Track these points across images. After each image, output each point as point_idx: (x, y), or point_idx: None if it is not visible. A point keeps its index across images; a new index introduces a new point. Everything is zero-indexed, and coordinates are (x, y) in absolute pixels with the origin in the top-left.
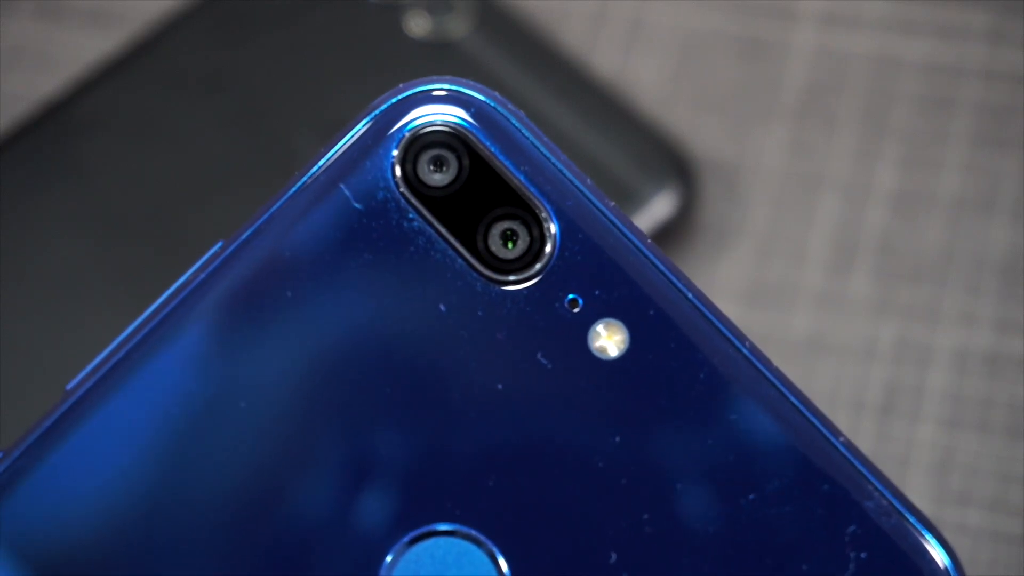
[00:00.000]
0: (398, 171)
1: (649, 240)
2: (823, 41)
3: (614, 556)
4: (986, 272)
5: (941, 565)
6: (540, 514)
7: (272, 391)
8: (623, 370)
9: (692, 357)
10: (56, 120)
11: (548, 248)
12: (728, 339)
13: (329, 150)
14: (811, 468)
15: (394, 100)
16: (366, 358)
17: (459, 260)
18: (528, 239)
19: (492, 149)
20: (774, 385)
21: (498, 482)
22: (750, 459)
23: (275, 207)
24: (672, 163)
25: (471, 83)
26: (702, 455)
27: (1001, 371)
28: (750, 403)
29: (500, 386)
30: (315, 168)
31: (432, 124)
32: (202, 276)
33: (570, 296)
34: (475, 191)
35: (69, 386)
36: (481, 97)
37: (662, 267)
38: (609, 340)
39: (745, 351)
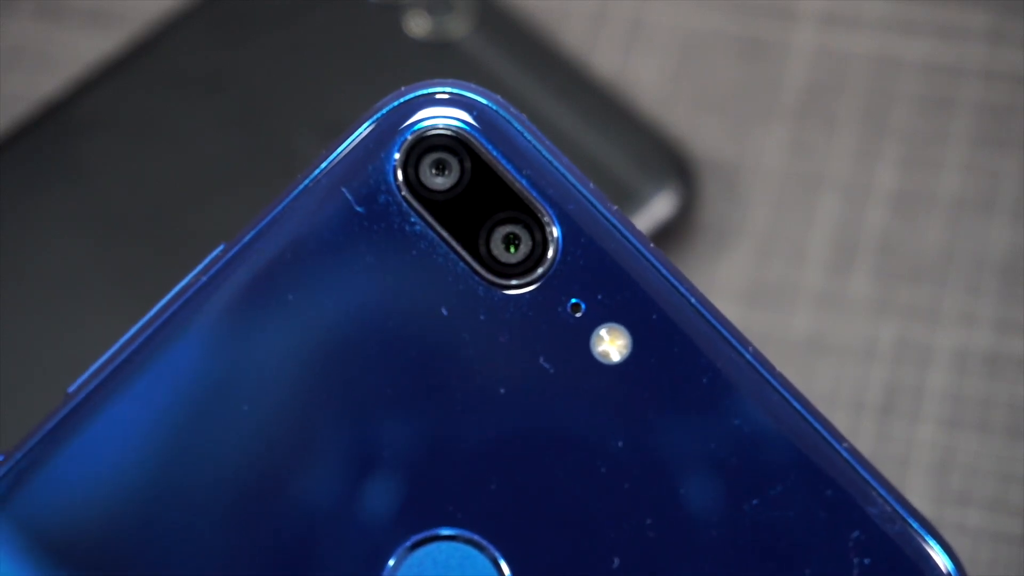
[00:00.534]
0: (400, 174)
1: (652, 244)
2: (823, 41)
3: (617, 561)
4: (986, 272)
5: (944, 571)
6: (543, 519)
7: (274, 394)
8: (626, 375)
9: (695, 362)
10: (56, 120)
11: (550, 252)
12: (731, 344)
13: (331, 153)
14: (814, 473)
15: (396, 103)
16: (368, 361)
17: (461, 264)
18: (530, 243)
19: (494, 153)
20: (777, 390)
21: (501, 486)
22: (753, 464)
23: (277, 210)
24: (672, 163)
25: (474, 86)
26: (705, 460)
27: (1001, 371)
28: (753, 408)
29: (502, 390)
30: (317, 171)
31: (434, 127)
32: (203, 280)
33: (572, 300)
34: (477, 195)
35: (71, 388)
36: (483, 100)
37: (665, 271)
38: (612, 345)
39: (748, 356)
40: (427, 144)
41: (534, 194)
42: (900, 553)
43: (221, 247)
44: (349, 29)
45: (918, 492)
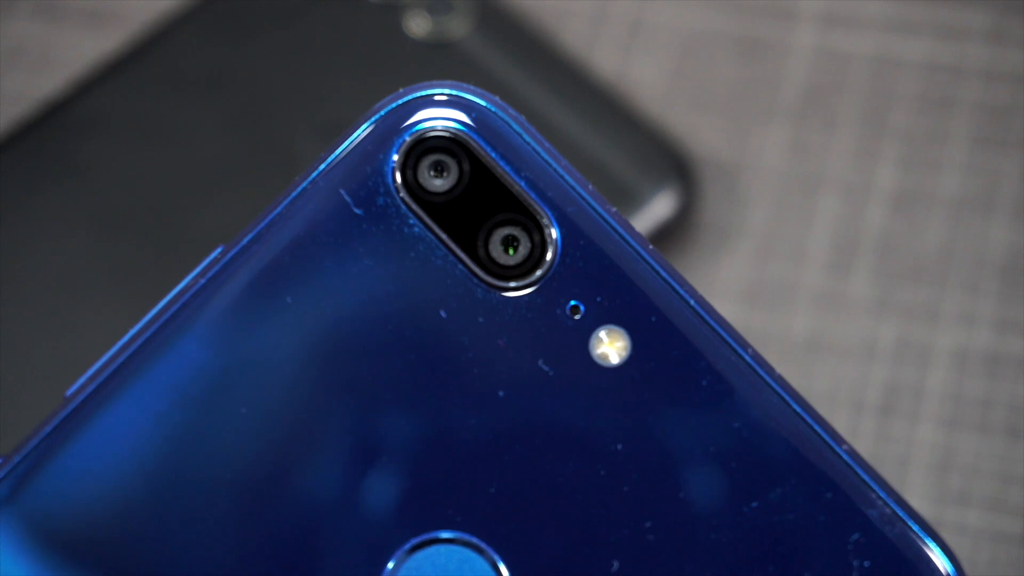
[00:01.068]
0: (398, 176)
1: (651, 246)
2: (823, 41)
3: (616, 564)
4: (986, 272)
5: (944, 572)
6: (542, 521)
7: (273, 397)
8: (625, 377)
9: (694, 364)
10: (56, 120)
11: (549, 255)
12: (731, 346)
13: (329, 155)
14: (814, 476)
15: (395, 104)
16: (366, 364)
17: (460, 266)
18: (529, 245)
19: (493, 155)
20: (777, 392)
21: (500, 489)
22: (753, 467)
23: (275, 212)
24: (672, 163)
25: (472, 88)
26: (704, 463)
27: (1001, 371)
28: (753, 410)
29: (501, 393)
30: (315, 173)
31: (433, 129)
32: (202, 282)
33: (571, 303)
34: (476, 197)
35: (69, 392)
36: (482, 102)
37: (664, 273)
38: (611, 347)
39: (747, 358)
40: (426, 146)
41: (533, 196)
42: (900, 555)
43: (219, 249)
44: (349, 29)
45: (918, 492)
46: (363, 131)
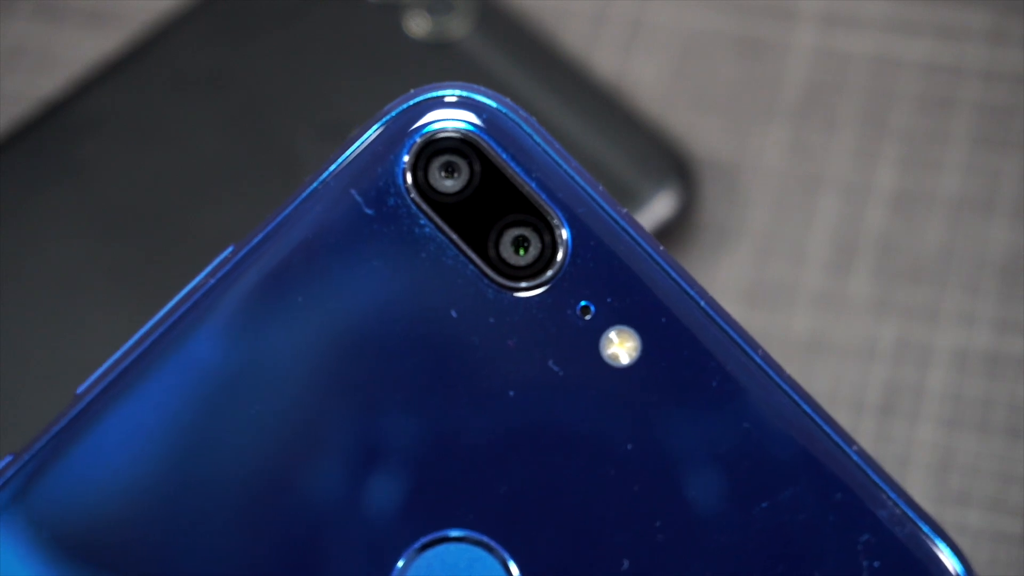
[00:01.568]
0: (409, 177)
1: (661, 247)
2: (823, 41)
3: (626, 563)
4: (986, 272)
5: (954, 572)
6: (552, 521)
7: (284, 396)
8: (635, 377)
9: (704, 364)
10: (56, 120)
11: (560, 255)
12: (740, 346)
13: (340, 155)
14: (824, 476)
15: (405, 105)
16: (377, 364)
17: (470, 267)
18: (540, 246)
19: (503, 155)
20: (787, 393)
21: (510, 488)
22: (763, 467)
23: (286, 212)
24: (672, 163)
25: (483, 89)
26: (715, 463)
27: (1001, 371)
28: (763, 411)
29: (512, 393)
30: (326, 173)
31: (444, 130)
32: (212, 281)
33: (582, 303)
34: (486, 197)
35: (80, 390)
36: (493, 103)
37: (674, 274)
38: (621, 347)
39: (758, 359)
40: (436, 147)
41: (543, 197)
42: (910, 556)
43: (230, 249)
44: (349, 29)
45: (918, 492)
46: (374, 132)
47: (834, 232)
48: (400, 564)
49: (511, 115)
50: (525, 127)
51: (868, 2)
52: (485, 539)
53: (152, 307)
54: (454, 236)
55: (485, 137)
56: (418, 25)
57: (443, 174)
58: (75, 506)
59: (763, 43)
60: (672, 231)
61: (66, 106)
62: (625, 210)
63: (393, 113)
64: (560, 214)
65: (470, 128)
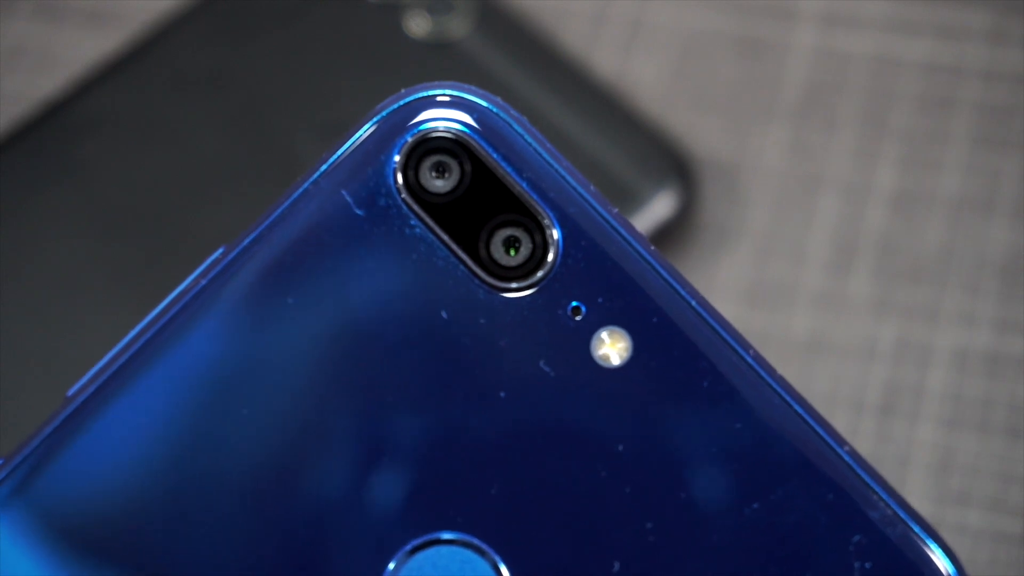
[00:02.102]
0: (400, 177)
1: (653, 247)
2: (823, 41)
3: (617, 565)
4: (986, 272)
5: (946, 574)
6: (543, 523)
7: (274, 398)
8: (626, 378)
9: (696, 365)
10: (56, 120)
11: (551, 255)
12: (732, 347)
13: (331, 155)
14: (815, 477)
15: (396, 105)
16: (368, 365)
17: (461, 267)
18: (531, 246)
19: (495, 155)
20: (778, 393)
21: (501, 490)
22: (754, 468)
23: (276, 213)
24: (672, 163)
25: (474, 88)
26: (706, 464)
27: (1001, 371)
28: (754, 412)
29: (503, 394)
30: (317, 173)
31: (435, 130)
32: (203, 282)
33: (573, 303)
34: (477, 198)
35: (70, 392)
36: (484, 103)
37: (665, 274)
38: (612, 348)
39: (749, 359)
40: (427, 147)
41: (534, 197)
42: (901, 557)
43: (221, 250)
44: (349, 29)
45: (918, 492)
46: (365, 132)
47: (834, 232)
48: (391, 566)
49: (502, 115)
50: (516, 127)
51: (868, 2)
52: (476, 542)
53: (152, 307)
54: (445, 236)
55: (476, 137)
56: (418, 25)
57: (434, 174)
58: (63, 510)
59: (763, 43)
60: (672, 231)
61: (66, 106)
62: (616, 210)
63: (384, 113)
64: (551, 214)
65: (461, 128)
